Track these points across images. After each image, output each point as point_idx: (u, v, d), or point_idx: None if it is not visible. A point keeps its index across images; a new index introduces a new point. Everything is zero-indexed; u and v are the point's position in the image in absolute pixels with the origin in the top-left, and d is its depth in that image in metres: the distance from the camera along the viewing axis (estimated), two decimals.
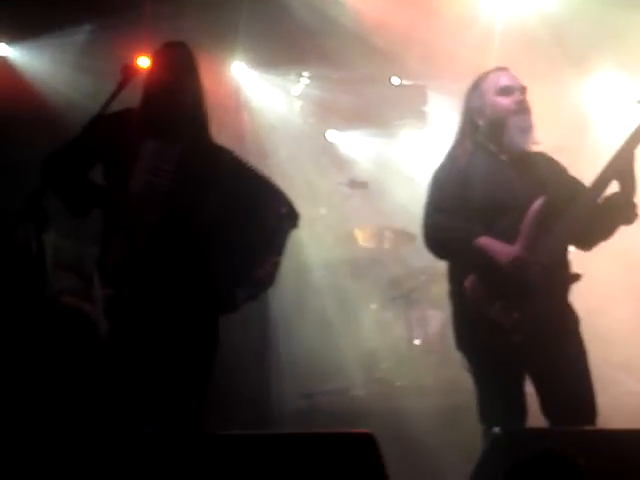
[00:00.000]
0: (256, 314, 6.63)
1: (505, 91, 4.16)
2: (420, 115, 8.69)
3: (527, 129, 4.16)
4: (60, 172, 4.07)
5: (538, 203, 4.00)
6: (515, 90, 4.18)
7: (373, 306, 7.79)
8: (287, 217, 4.29)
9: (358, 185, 8.02)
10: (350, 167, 8.59)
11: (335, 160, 8.60)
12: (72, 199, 4.12)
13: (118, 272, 4.08)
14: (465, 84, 4.35)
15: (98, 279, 5.88)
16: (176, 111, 4.11)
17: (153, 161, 4.04)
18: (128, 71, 4.01)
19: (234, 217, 4.14)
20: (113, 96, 3.97)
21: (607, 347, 6.62)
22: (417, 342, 7.61)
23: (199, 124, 4.19)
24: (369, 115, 8.56)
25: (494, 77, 4.21)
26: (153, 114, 4.11)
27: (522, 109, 4.15)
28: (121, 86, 3.99)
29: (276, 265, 4.22)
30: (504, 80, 4.19)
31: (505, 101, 4.15)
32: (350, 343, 7.60)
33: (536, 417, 4.16)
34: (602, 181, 4.03)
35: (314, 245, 7.37)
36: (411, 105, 8.64)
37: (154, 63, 4.22)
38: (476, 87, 4.24)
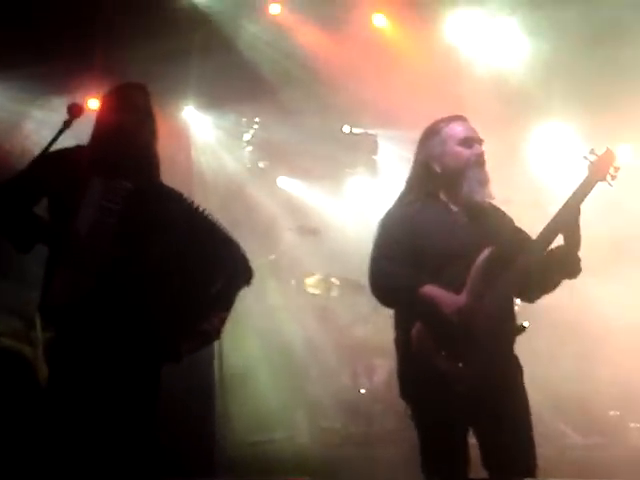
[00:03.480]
0: (202, 361, 6.56)
1: (467, 142, 4.16)
2: (371, 163, 8.75)
3: (485, 182, 4.16)
4: (4, 205, 3.98)
5: (485, 253, 3.99)
6: (475, 142, 4.18)
7: (319, 354, 7.76)
8: (241, 274, 4.24)
9: (308, 231, 8.01)
10: (300, 213, 8.59)
11: (285, 206, 8.61)
12: (16, 233, 4.02)
13: (60, 314, 3.99)
14: (415, 134, 4.34)
15: (39, 322, 5.84)
16: (130, 152, 4.06)
17: (101, 200, 3.98)
18: (75, 110, 3.97)
19: (184, 265, 4.07)
20: (59, 133, 3.93)
21: (555, 400, 6.68)
22: (363, 391, 7.59)
23: (150, 166, 4.15)
24: (320, 162, 8.59)
25: (455, 126, 4.19)
26: (104, 153, 4.06)
27: (481, 162, 4.16)
28: (67, 124, 3.95)
29: (223, 320, 4.16)
30: (466, 131, 4.18)
31: (467, 152, 4.14)
32: (296, 391, 7.57)
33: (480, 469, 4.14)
34: (548, 234, 4.02)
35: (262, 291, 7.35)
36: (362, 153, 8.70)
37: (112, 101, 4.16)
38: (436, 133, 4.20)
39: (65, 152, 4.07)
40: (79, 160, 4.04)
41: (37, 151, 3.98)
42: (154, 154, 4.15)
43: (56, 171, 4.00)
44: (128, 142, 4.06)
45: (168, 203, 4.11)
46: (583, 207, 4.02)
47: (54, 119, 6.87)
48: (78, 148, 4.12)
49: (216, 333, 4.13)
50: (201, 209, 4.18)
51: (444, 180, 4.17)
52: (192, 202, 4.18)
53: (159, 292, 4.01)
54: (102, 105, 4.21)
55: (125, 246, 3.97)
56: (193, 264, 4.08)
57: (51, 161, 3.98)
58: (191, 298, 4.06)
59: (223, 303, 4.16)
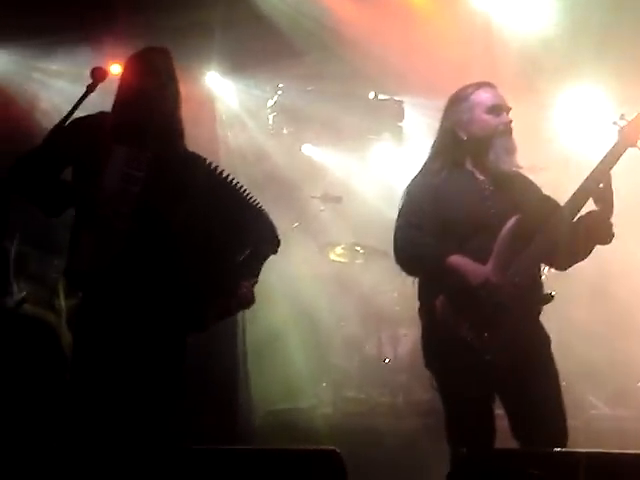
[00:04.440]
0: (225, 329, 6.55)
1: (494, 110, 4.12)
2: (396, 130, 8.67)
3: (512, 150, 4.12)
4: (30, 174, 3.93)
5: (511, 222, 3.95)
6: (503, 110, 4.14)
7: (344, 323, 7.74)
8: (269, 242, 4.21)
9: (331, 199, 7.97)
10: (324, 180, 8.54)
11: (309, 173, 8.56)
12: (45, 199, 4.00)
13: (86, 279, 3.97)
14: (441, 101, 4.28)
15: (63, 289, 5.85)
16: (153, 118, 4.02)
17: (124, 167, 3.95)
18: (98, 74, 3.94)
19: (211, 231, 4.04)
20: (82, 99, 3.92)
21: (580, 370, 6.63)
22: (387, 361, 7.57)
23: (174, 132, 4.10)
24: (345, 128, 8.53)
25: (483, 93, 4.15)
26: (128, 119, 4.02)
27: (508, 130, 4.12)
28: (90, 89, 3.93)
29: (252, 287, 4.13)
30: (494, 99, 4.14)
31: (494, 121, 4.10)
32: (320, 360, 7.56)
33: (508, 438, 4.10)
34: (577, 201, 3.98)
35: (286, 258, 7.31)
36: (387, 120, 8.62)
37: (134, 66, 4.10)
38: (464, 99, 4.16)
39: (88, 119, 4.05)
40: (102, 127, 4.01)
41: (51, 113, 3.95)
42: (178, 120, 4.11)
43: (80, 139, 3.98)
44: (151, 108, 4.01)
45: (193, 170, 4.08)
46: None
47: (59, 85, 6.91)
48: (101, 115, 4.09)
49: (247, 300, 4.10)
50: (228, 176, 4.15)
51: (470, 148, 4.13)
52: (218, 169, 4.15)
53: (186, 258, 3.98)
54: (124, 70, 4.17)
55: (150, 212, 3.95)
56: (220, 230, 4.06)
57: (74, 129, 3.96)
58: (219, 264, 4.05)
59: (251, 270, 4.14)
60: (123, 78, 4.11)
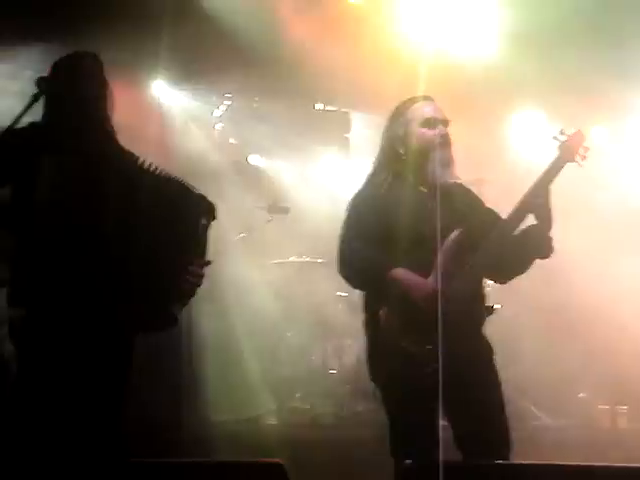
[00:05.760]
0: (170, 339, 6.51)
1: (430, 123, 4.13)
2: (343, 142, 8.72)
3: (449, 162, 4.14)
4: None
5: (453, 235, 3.97)
6: (439, 123, 4.14)
7: (289, 333, 7.74)
8: (205, 212, 4.16)
9: (278, 210, 7.97)
10: (271, 191, 8.55)
11: (256, 183, 8.56)
12: None
13: (29, 291, 3.91)
14: (388, 114, 4.31)
15: (6, 299, 5.75)
16: (83, 123, 3.97)
17: (55, 176, 3.90)
18: (44, 83, 3.89)
19: (153, 227, 3.96)
20: (26, 108, 3.85)
21: (522, 382, 6.70)
22: (333, 371, 7.58)
23: (106, 134, 4.05)
24: (292, 139, 8.55)
25: (419, 107, 4.17)
26: (59, 125, 3.97)
27: (445, 142, 4.13)
28: (36, 98, 3.87)
29: (204, 266, 4.08)
30: (429, 111, 4.15)
31: (429, 133, 4.11)
32: (265, 371, 7.55)
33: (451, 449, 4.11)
34: (518, 214, 4.01)
35: (232, 268, 7.29)
36: (334, 131, 8.66)
37: (63, 72, 4.05)
38: (400, 115, 4.19)
39: (19, 132, 3.97)
40: (32, 138, 3.95)
41: None
42: (109, 123, 4.05)
43: (13, 152, 3.91)
44: (82, 112, 3.97)
45: (124, 169, 4.00)
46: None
47: None
48: (31, 126, 4.03)
49: (199, 280, 4.04)
50: (157, 168, 4.05)
51: (409, 162, 4.15)
52: (145, 162, 4.04)
53: (133, 260, 3.92)
54: (51, 76, 4.09)
55: (85, 219, 3.89)
56: (162, 224, 3.98)
57: (9, 142, 3.90)
58: (169, 255, 3.98)
59: (199, 247, 4.06)
60: (51, 84, 4.05)
